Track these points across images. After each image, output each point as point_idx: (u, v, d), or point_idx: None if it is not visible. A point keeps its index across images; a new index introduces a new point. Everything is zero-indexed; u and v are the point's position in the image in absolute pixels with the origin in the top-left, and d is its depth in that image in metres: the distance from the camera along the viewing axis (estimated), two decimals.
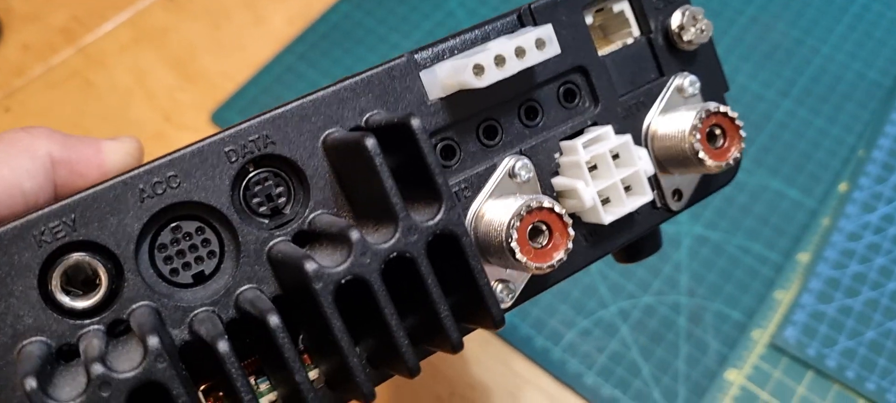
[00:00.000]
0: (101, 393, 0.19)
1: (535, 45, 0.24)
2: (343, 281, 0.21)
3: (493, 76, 0.24)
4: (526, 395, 0.52)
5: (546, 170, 0.27)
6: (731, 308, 0.55)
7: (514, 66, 0.24)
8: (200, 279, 0.23)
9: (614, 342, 0.54)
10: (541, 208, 0.24)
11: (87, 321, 0.22)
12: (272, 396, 0.24)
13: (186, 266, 0.23)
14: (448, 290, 0.23)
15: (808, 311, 0.54)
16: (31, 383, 0.19)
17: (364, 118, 0.24)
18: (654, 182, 0.28)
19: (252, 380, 0.24)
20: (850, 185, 0.59)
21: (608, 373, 0.52)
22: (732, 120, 0.26)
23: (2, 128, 0.65)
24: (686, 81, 0.28)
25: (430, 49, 0.25)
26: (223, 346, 0.21)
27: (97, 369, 0.19)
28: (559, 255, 0.24)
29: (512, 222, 0.23)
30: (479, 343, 0.54)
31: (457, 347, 0.23)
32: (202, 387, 0.24)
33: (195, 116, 0.66)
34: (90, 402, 0.19)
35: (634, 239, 0.29)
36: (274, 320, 0.21)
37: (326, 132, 0.24)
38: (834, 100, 0.63)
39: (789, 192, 0.59)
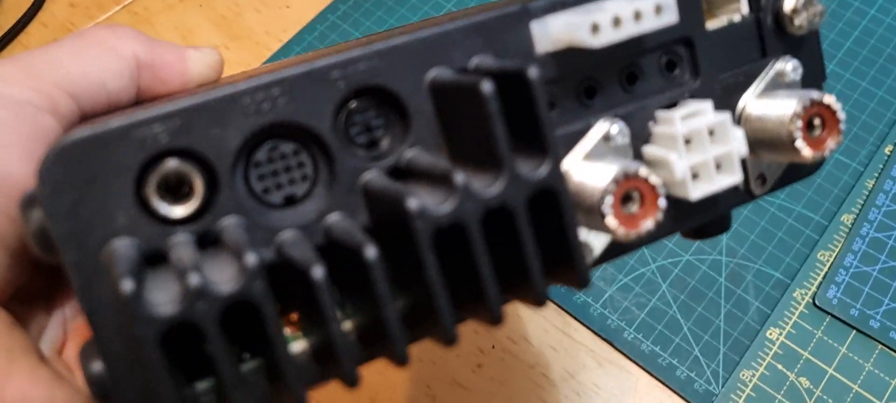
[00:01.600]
0: (197, 304, 0.19)
1: (654, 11, 0.24)
2: (444, 225, 0.21)
3: (608, 37, 0.23)
4: (566, 349, 0.52)
5: (639, 138, 0.26)
6: (773, 268, 0.55)
7: (629, 30, 0.23)
8: (291, 201, 0.23)
9: (655, 299, 0.54)
10: (636, 175, 0.23)
11: (179, 229, 0.21)
12: (347, 325, 0.23)
13: (279, 186, 0.23)
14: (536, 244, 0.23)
15: (852, 272, 0.53)
16: (127, 286, 0.18)
17: (472, 62, 0.24)
18: (743, 163, 0.28)
19: None
20: (895, 147, 0.58)
21: (649, 330, 0.53)
22: (834, 111, 0.26)
23: None
24: (789, 66, 0.28)
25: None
26: (318, 272, 0.20)
27: (194, 279, 0.19)
28: (647, 224, 0.23)
29: (608, 186, 0.23)
30: None
31: (542, 301, 0.23)
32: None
33: None
34: (187, 312, 0.19)
35: (713, 217, 0.28)
36: (371, 252, 0.21)
37: (434, 71, 0.23)
38: (879, 62, 0.62)
39: (834, 154, 0.59)
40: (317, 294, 0.20)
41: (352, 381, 0.21)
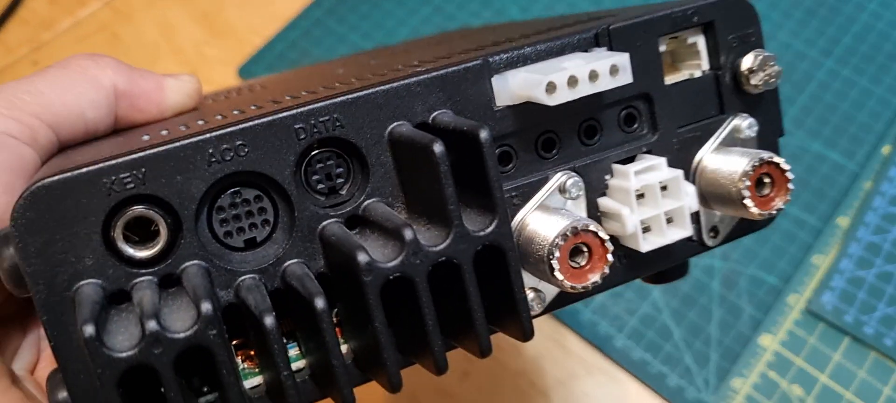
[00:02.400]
0: (153, 350, 0.20)
1: (610, 71, 0.24)
2: (391, 277, 0.22)
3: (563, 96, 0.24)
4: (554, 356, 0.51)
5: (595, 189, 0.27)
6: (767, 272, 0.53)
7: (585, 89, 0.24)
8: (252, 245, 0.24)
9: (646, 305, 0.53)
10: (586, 230, 0.24)
11: (143, 271, 0.22)
12: (301, 363, 0.24)
13: (240, 230, 0.24)
14: (483, 293, 0.24)
15: (847, 277, 0.52)
16: (89, 330, 0.20)
17: (432, 115, 0.24)
18: (695, 217, 0.29)
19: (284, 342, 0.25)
20: (893, 148, 0.57)
21: (639, 337, 0.52)
22: (783, 171, 0.27)
23: None
24: (744, 123, 0.28)
25: (505, 54, 0.25)
26: (269, 322, 0.22)
27: (152, 325, 0.20)
28: (595, 278, 0.24)
29: (556, 241, 0.24)
30: None
31: (486, 353, 0.24)
32: (235, 342, 0.24)
33: (222, 71, 0.65)
34: (142, 356, 0.20)
35: (666, 267, 0.29)
36: (320, 304, 0.22)
37: (394, 124, 0.24)
38: (879, 59, 0.61)
39: (830, 155, 0.58)
40: (267, 339, 0.22)
41: None
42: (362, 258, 0.22)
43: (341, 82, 0.27)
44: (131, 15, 0.68)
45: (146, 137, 0.25)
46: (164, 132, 0.25)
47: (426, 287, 0.23)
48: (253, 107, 0.25)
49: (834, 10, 0.64)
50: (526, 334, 0.24)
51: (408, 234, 0.22)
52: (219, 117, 0.25)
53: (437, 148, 0.22)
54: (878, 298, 0.51)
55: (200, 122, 0.25)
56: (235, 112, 0.26)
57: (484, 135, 0.22)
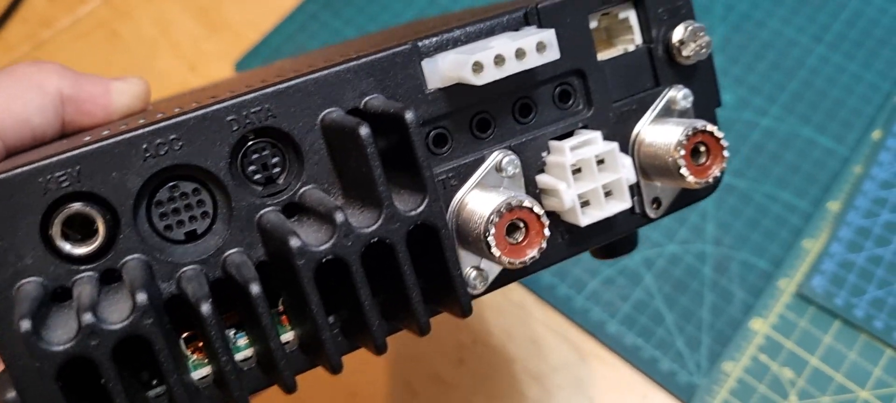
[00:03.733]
0: (89, 341, 0.21)
1: (536, 48, 0.25)
2: (324, 260, 0.23)
3: (491, 75, 0.24)
4: (548, 342, 0.52)
5: (533, 167, 0.27)
6: (758, 257, 0.54)
7: (512, 67, 0.24)
8: (192, 237, 0.24)
9: (638, 291, 0.53)
10: (520, 206, 0.24)
11: (83, 267, 0.23)
12: (249, 352, 0.25)
13: (180, 223, 0.24)
14: (422, 272, 0.25)
15: (837, 260, 0.53)
16: (25, 325, 0.20)
17: (363, 101, 0.25)
18: (636, 189, 0.29)
19: (231, 333, 0.25)
20: (883, 132, 0.57)
21: (631, 322, 0.52)
22: (717, 139, 0.27)
23: None
24: (679, 94, 0.29)
25: (434, 37, 0.26)
26: (206, 309, 0.22)
27: (87, 318, 0.21)
28: (532, 253, 0.25)
29: (491, 217, 0.24)
30: (502, 292, 0.54)
31: (424, 331, 0.25)
32: (185, 335, 0.25)
33: (220, 65, 0.66)
34: (79, 348, 0.21)
35: (610, 241, 0.30)
36: (255, 289, 0.22)
37: (326, 111, 0.24)
38: (869, 45, 0.61)
39: (821, 140, 0.58)
40: (204, 326, 0.22)
41: None
42: (294, 242, 0.22)
43: (280, 74, 0.27)
44: (129, 11, 0.69)
45: (87, 138, 0.25)
46: (105, 132, 0.25)
47: (360, 268, 0.23)
48: (194, 104, 0.26)
49: None
50: (464, 310, 0.25)
51: (338, 217, 0.23)
52: (159, 115, 0.25)
53: (363, 131, 0.23)
54: (868, 281, 0.52)
55: (141, 121, 0.25)
56: (176, 109, 0.26)
57: (409, 116, 0.23)
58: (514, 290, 0.54)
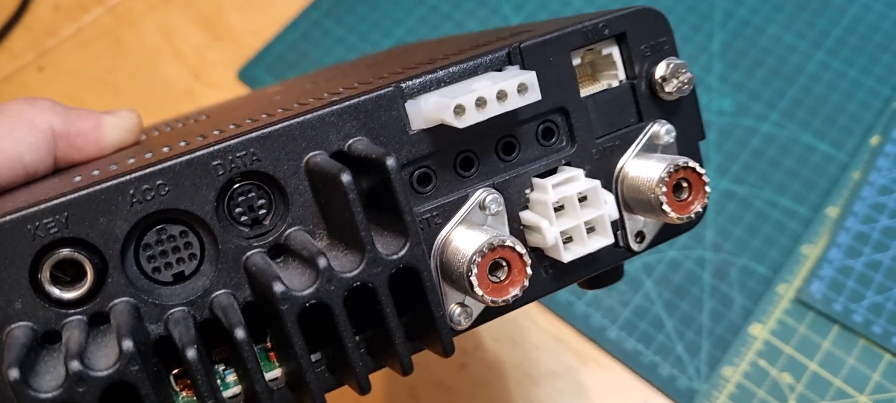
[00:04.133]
0: (77, 388, 0.21)
1: (517, 90, 0.25)
2: (307, 304, 0.23)
3: (472, 118, 0.24)
4: (549, 348, 0.53)
5: (516, 204, 0.27)
6: (757, 262, 0.54)
7: (494, 109, 0.25)
8: (180, 278, 0.25)
9: (638, 296, 0.54)
10: (502, 246, 0.24)
11: (72, 310, 0.23)
12: (237, 389, 0.25)
13: (168, 265, 0.24)
14: (406, 310, 0.25)
15: (836, 266, 0.53)
16: (14, 373, 0.20)
17: (347, 143, 0.25)
18: (619, 223, 0.29)
19: (221, 369, 0.25)
20: (882, 138, 0.58)
21: (631, 327, 0.53)
22: (699, 175, 0.27)
23: (36, 86, 0.67)
24: (662, 130, 0.29)
25: (417, 79, 0.26)
26: (191, 354, 0.22)
27: (75, 366, 0.21)
28: (515, 291, 0.25)
29: (473, 257, 0.24)
30: None
31: (407, 370, 0.25)
32: (176, 371, 0.25)
33: (223, 73, 0.66)
34: (67, 395, 0.21)
35: (594, 274, 0.30)
36: (240, 334, 0.23)
37: (310, 154, 0.25)
38: (869, 51, 0.62)
39: (820, 146, 0.58)
40: (190, 370, 0.23)
41: None
42: (278, 287, 0.22)
43: (268, 113, 0.28)
44: (133, 20, 0.69)
45: (77, 178, 0.25)
46: (95, 172, 0.26)
47: (343, 311, 0.23)
48: (182, 144, 0.26)
49: (824, 2, 0.64)
50: (445, 350, 0.25)
51: (321, 262, 0.23)
52: (148, 155, 0.26)
53: (345, 177, 0.23)
54: (867, 286, 0.52)
55: (131, 161, 0.26)
56: (165, 149, 0.26)
57: (390, 162, 0.23)
58: None
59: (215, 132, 0.26)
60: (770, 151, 0.59)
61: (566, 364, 0.52)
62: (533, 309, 0.54)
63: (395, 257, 0.24)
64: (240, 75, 0.66)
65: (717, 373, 0.51)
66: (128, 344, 0.21)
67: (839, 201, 0.56)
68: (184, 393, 0.25)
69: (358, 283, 0.23)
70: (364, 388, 0.25)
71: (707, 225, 0.56)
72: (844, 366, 0.50)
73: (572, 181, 0.27)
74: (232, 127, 0.26)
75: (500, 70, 0.27)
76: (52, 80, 0.67)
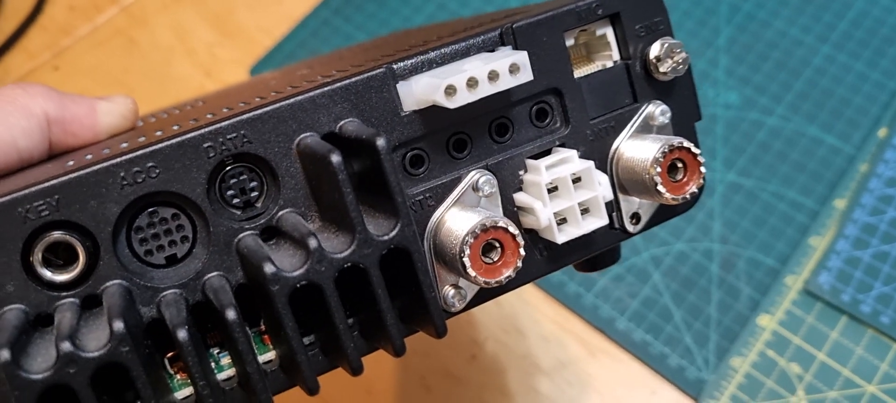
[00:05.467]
0: (67, 369, 0.21)
1: (509, 71, 0.25)
2: (298, 285, 0.23)
3: (463, 98, 0.24)
4: (559, 339, 0.53)
5: (510, 185, 0.27)
6: (765, 254, 0.55)
7: (485, 89, 0.25)
8: (172, 261, 0.25)
9: (646, 288, 0.54)
10: (495, 227, 0.24)
11: (64, 293, 0.23)
12: (231, 372, 0.25)
13: (160, 248, 0.24)
14: (399, 292, 0.25)
15: (844, 257, 0.54)
16: (4, 355, 0.21)
17: (339, 125, 0.25)
18: (615, 204, 0.29)
19: (216, 352, 0.25)
20: (889, 131, 0.58)
21: (640, 319, 0.53)
22: (695, 155, 0.27)
23: (52, 85, 0.68)
24: (658, 110, 0.29)
25: (409, 60, 0.26)
26: (182, 335, 0.22)
27: (65, 347, 0.21)
28: (508, 272, 0.25)
29: (465, 239, 0.24)
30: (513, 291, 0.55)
31: (399, 352, 0.25)
32: (170, 354, 0.25)
33: (235, 71, 0.67)
34: (57, 376, 0.21)
35: (590, 256, 0.30)
36: (231, 315, 0.23)
37: (301, 136, 0.25)
38: (875, 43, 0.62)
39: (827, 138, 0.59)
40: (182, 352, 0.22)
41: None
42: (268, 268, 0.22)
43: (261, 97, 0.28)
44: (146, 19, 0.70)
45: (71, 163, 0.25)
46: (88, 157, 0.25)
47: (334, 292, 0.23)
48: (175, 127, 0.26)
49: None
50: (438, 331, 0.25)
51: (312, 243, 0.23)
52: (141, 139, 0.25)
53: (335, 158, 0.23)
54: (875, 277, 0.53)
55: (124, 145, 0.25)
56: (158, 133, 0.26)
57: (380, 143, 0.23)
58: (525, 287, 0.55)
59: (208, 116, 0.26)
60: (777, 144, 0.59)
61: (575, 355, 0.52)
62: (541, 300, 0.54)
63: (385, 238, 0.24)
64: (252, 73, 0.67)
65: (726, 364, 0.51)
66: (119, 325, 0.21)
67: (847, 193, 0.56)
68: (179, 376, 0.25)
69: (349, 264, 0.23)
70: (356, 370, 0.24)
71: (714, 217, 0.56)
72: (852, 356, 0.51)
73: (566, 162, 0.27)
74: (225, 110, 0.26)
75: (492, 51, 0.27)
76: (68, 79, 0.68)
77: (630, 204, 0.29)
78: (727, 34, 0.64)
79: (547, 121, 0.28)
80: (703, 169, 0.27)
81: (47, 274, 0.23)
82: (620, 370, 0.52)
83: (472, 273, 0.24)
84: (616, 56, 0.29)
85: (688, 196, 0.27)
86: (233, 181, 0.25)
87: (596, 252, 0.29)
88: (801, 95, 0.61)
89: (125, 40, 0.70)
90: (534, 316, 0.54)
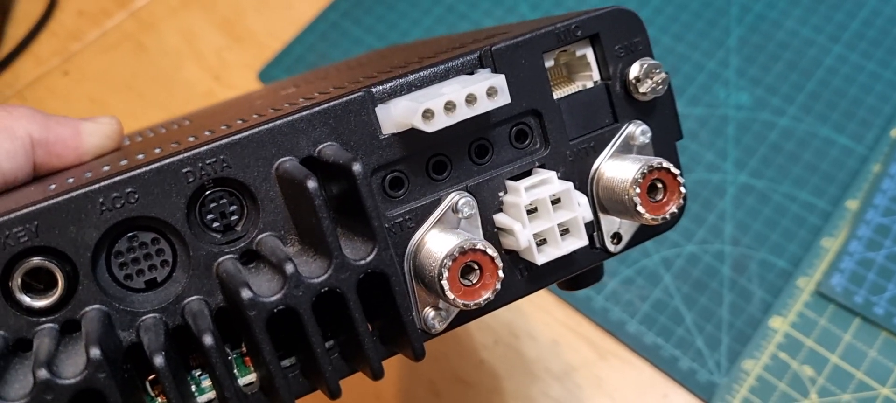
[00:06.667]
0: (44, 396, 0.21)
1: (487, 94, 0.25)
2: (275, 310, 0.23)
3: (441, 122, 0.24)
4: (569, 343, 0.53)
5: (490, 207, 0.27)
6: (777, 256, 0.54)
7: (463, 113, 0.25)
8: (152, 285, 0.25)
9: (657, 291, 0.54)
10: (473, 249, 0.25)
11: (44, 318, 0.23)
12: (211, 395, 0.25)
13: (140, 272, 0.25)
14: (378, 314, 0.25)
15: (856, 259, 0.53)
16: None
17: (318, 148, 0.25)
18: (595, 224, 0.29)
19: (197, 374, 0.26)
20: None
21: (651, 321, 0.53)
22: (674, 176, 0.27)
23: (62, 91, 0.68)
24: (638, 130, 0.29)
25: (388, 83, 0.26)
26: (159, 360, 0.22)
27: (42, 374, 0.21)
28: (487, 295, 0.25)
29: (444, 261, 0.24)
30: None
31: (377, 375, 0.25)
32: (151, 377, 0.25)
33: (243, 75, 0.67)
34: None
35: (571, 276, 0.30)
36: (208, 340, 0.23)
37: (280, 160, 0.25)
38: (887, 44, 0.61)
39: (839, 139, 0.58)
40: (159, 377, 0.23)
41: None
42: (245, 294, 0.23)
43: (243, 119, 0.28)
44: (155, 24, 0.70)
45: (52, 187, 0.25)
46: (70, 180, 0.26)
47: (311, 317, 0.23)
48: (157, 151, 0.26)
49: None
50: (416, 354, 0.25)
51: (288, 268, 0.23)
52: (123, 163, 0.26)
53: (311, 184, 0.23)
54: (888, 279, 0.52)
55: (105, 168, 0.26)
56: (140, 156, 0.26)
57: (357, 167, 0.23)
58: None
59: (190, 139, 0.26)
60: (788, 145, 0.58)
61: (585, 359, 0.52)
62: (551, 303, 0.54)
63: (362, 262, 0.24)
64: (260, 76, 0.67)
65: (738, 366, 0.51)
66: (95, 352, 0.21)
67: (859, 194, 0.56)
68: (159, 399, 0.25)
69: (326, 289, 0.23)
70: (333, 392, 0.24)
71: (725, 219, 0.56)
72: (866, 359, 0.50)
73: (545, 183, 0.27)
74: (207, 133, 0.26)
75: (471, 73, 0.27)
76: (77, 85, 0.68)
77: (611, 223, 0.29)
78: (738, 34, 0.64)
79: (526, 142, 0.28)
80: (682, 189, 0.27)
81: (26, 299, 0.23)
82: (631, 373, 0.52)
83: (450, 295, 0.24)
84: (596, 76, 0.29)
85: (668, 216, 0.27)
86: (213, 205, 0.25)
87: (576, 272, 0.29)
88: (812, 95, 0.60)
89: (134, 45, 0.70)
90: (544, 320, 0.54)
